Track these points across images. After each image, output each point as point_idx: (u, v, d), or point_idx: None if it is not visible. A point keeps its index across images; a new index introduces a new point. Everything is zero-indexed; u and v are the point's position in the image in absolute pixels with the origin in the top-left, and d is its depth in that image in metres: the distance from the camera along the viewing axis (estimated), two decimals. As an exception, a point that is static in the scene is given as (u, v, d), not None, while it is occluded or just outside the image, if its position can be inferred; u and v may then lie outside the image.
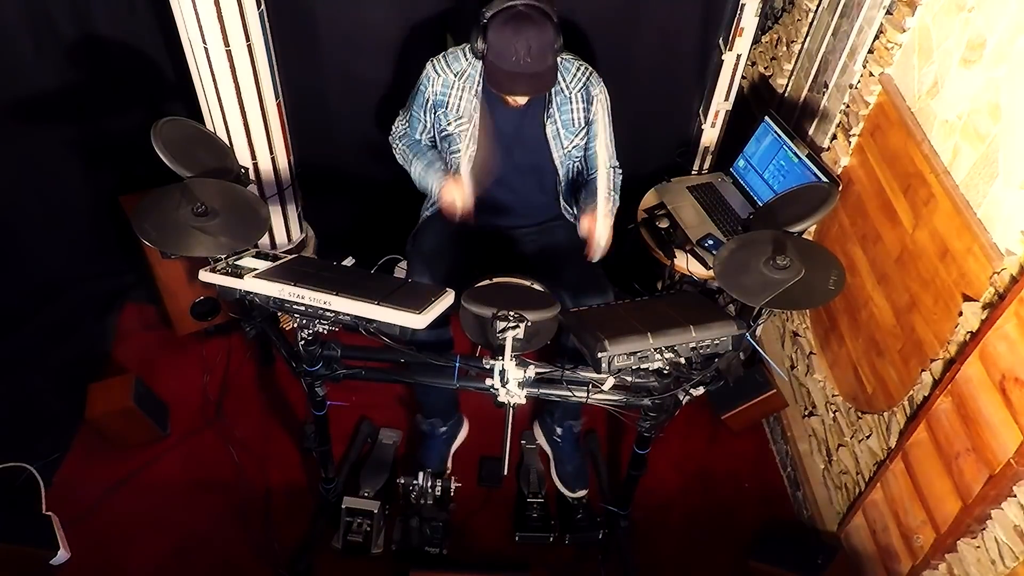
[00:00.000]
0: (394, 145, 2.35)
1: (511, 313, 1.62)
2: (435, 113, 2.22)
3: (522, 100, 2.09)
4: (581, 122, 2.20)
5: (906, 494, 1.98)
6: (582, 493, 2.49)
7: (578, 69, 2.17)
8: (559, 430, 2.52)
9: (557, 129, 2.20)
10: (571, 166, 2.29)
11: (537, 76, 1.98)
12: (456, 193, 2.16)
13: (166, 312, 2.75)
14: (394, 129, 2.36)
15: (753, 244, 1.64)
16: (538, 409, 2.67)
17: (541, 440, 2.63)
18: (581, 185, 2.35)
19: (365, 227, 2.90)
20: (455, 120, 2.19)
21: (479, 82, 2.15)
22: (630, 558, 2.31)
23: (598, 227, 2.12)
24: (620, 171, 2.34)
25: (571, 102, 2.18)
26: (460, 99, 2.17)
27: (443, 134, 2.24)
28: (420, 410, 2.53)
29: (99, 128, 2.65)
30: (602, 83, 2.20)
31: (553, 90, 2.15)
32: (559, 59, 2.14)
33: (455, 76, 2.15)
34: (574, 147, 2.24)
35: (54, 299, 2.88)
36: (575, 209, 2.37)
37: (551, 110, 2.17)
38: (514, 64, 1.94)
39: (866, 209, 2.21)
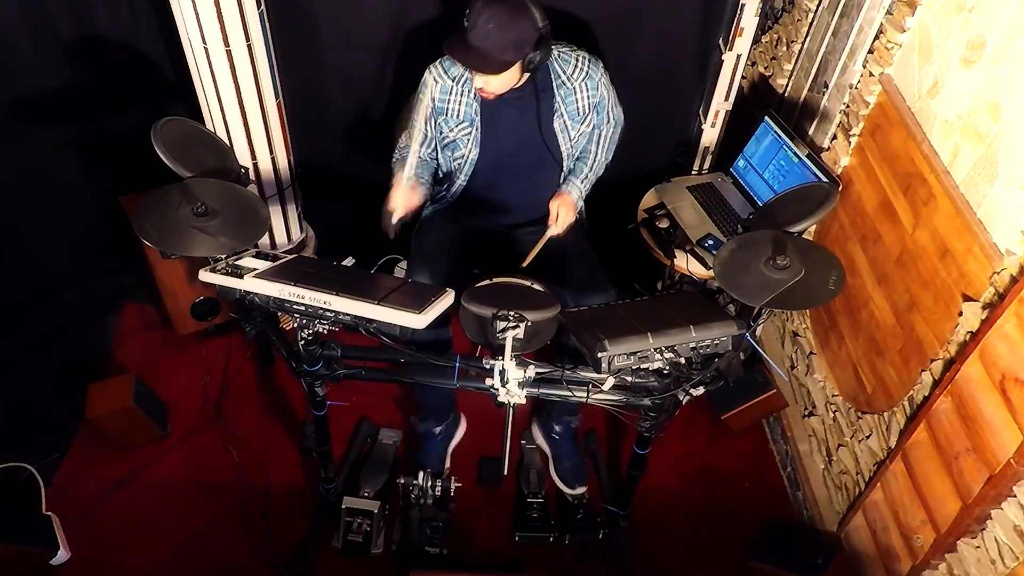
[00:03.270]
0: (394, 156, 2.33)
1: (511, 313, 1.62)
2: (435, 121, 2.21)
3: (479, 83, 2.05)
4: (587, 109, 2.20)
5: (906, 494, 1.98)
6: (581, 490, 2.49)
7: (577, 59, 2.16)
8: (557, 427, 2.52)
9: (564, 122, 2.20)
10: (577, 154, 2.30)
11: (478, 55, 1.93)
12: (398, 201, 2.12)
13: (166, 312, 2.75)
14: (399, 143, 2.34)
15: (753, 244, 1.64)
16: (536, 409, 2.67)
17: (540, 439, 2.62)
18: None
19: (365, 227, 2.89)
20: (456, 126, 2.19)
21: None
22: (630, 558, 2.31)
23: (564, 213, 2.21)
24: (623, 121, 2.37)
25: (575, 92, 2.17)
26: (460, 104, 2.16)
27: (444, 141, 2.23)
28: (417, 411, 2.53)
29: (99, 128, 2.65)
30: (600, 63, 2.20)
31: (555, 84, 2.15)
32: (557, 53, 2.14)
33: (453, 81, 2.14)
34: (581, 135, 2.24)
35: (54, 299, 2.88)
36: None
37: (556, 104, 2.17)
38: (471, 34, 1.92)
39: (866, 209, 2.21)
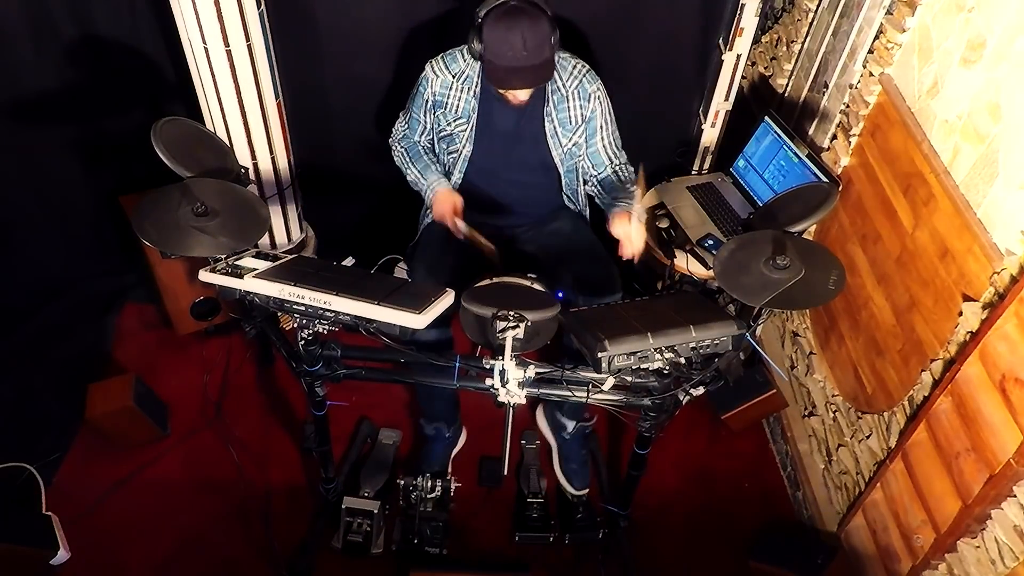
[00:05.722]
0: (393, 147, 2.36)
1: (511, 313, 1.62)
2: (434, 114, 2.22)
3: (523, 96, 2.08)
4: (579, 119, 2.20)
5: (906, 494, 1.98)
6: (584, 491, 2.49)
7: (573, 67, 2.17)
8: (570, 426, 2.51)
9: (555, 127, 2.20)
10: (573, 164, 2.29)
11: (534, 69, 1.97)
12: (447, 204, 2.17)
13: (166, 312, 2.75)
14: (394, 131, 2.38)
15: (753, 244, 1.64)
16: (544, 401, 2.65)
17: (545, 430, 2.62)
18: (584, 181, 2.35)
19: (365, 227, 2.90)
20: (454, 120, 2.20)
21: (477, 82, 2.16)
22: (630, 558, 2.31)
23: (634, 231, 2.12)
24: (629, 166, 2.34)
25: (568, 100, 2.18)
26: (459, 100, 2.17)
27: (441, 134, 2.24)
28: (423, 415, 2.53)
29: (99, 128, 2.65)
30: (599, 80, 2.20)
31: (550, 88, 2.16)
32: (557, 57, 2.14)
33: (453, 77, 2.16)
34: (573, 145, 2.24)
35: (54, 299, 2.88)
36: (579, 203, 2.39)
37: (548, 108, 2.18)
38: (511, 59, 1.94)
39: (866, 209, 2.21)
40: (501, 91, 2.08)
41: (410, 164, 2.29)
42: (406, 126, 2.33)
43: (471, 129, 2.20)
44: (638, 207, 2.17)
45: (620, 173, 2.30)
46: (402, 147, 2.33)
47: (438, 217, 2.21)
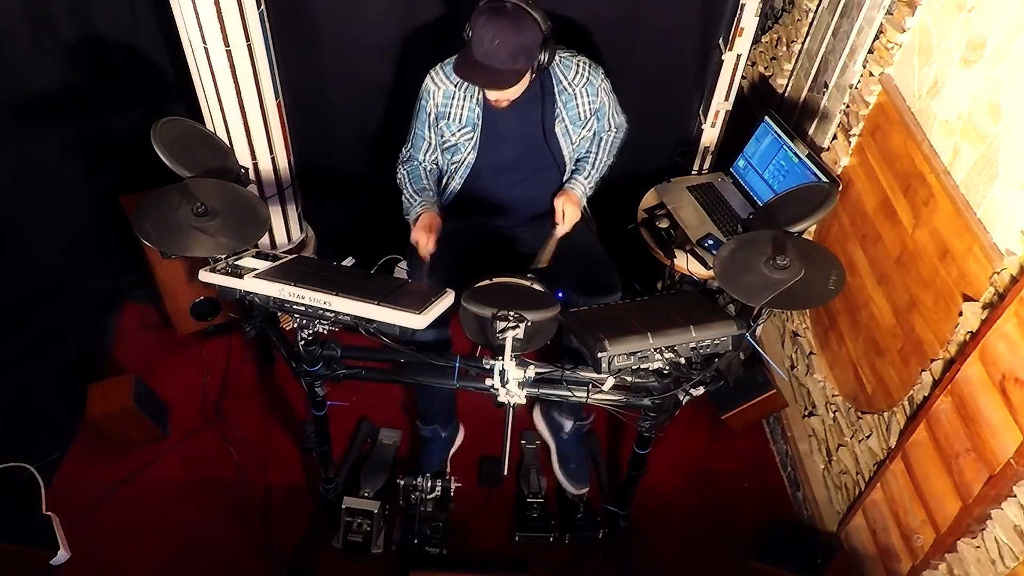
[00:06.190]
0: (398, 171, 2.34)
1: (511, 313, 1.62)
2: (437, 126, 2.21)
3: (492, 96, 2.07)
4: (588, 113, 2.21)
5: (906, 494, 1.98)
6: (584, 491, 2.49)
7: (577, 64, 2.16)
8: (567, 426, 2.52)
9: (566, 126, 2.20)
10: (580, 155, 2.30)
11: (491, 72, 1.94)
12: (423, 234, 2.16)
13: (166, 312, 2.76)
14: (400, 156, 2.36)
15: (753, 244, 1.64)
16: (542, 400, 2.65)
17: (543, 430, 2.62)
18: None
19: (365, 227, 2.90)
20: (459, 131, 2.19)
21: (479, 89, 2.14)
22: (630, 558, 2.31)
23: (571, 211, 2.19)
24: (626, 128, 2.37)
25: (576, 97, 2.17)
26: (462, 108, 2.17)
27: (446, 145, 2.23)
28: (420, 416, 2.53)
29: (99, 128, 2.65)
30: (600, 69, 2.20)
31: (557, 90, 2.15)
32: (559, 58, 2.14)
33: (454, 86, 2.15)
34: (583, 139, 2.25)
35: (54, 299, 2.88)
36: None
37: (557, 109, 2.17)
38: (478, 53, 1.92)
39: (866, 209, 2.21)
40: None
41: (407, 185, 2.28)
42: (411, 147, 2.31)
43: (477, 137, 2.19)
44: (584, 186, 2.27)
45: (610, 136, 2.33)
46: (405, 170, 2.31)
47: (414, 241, 2.19)
